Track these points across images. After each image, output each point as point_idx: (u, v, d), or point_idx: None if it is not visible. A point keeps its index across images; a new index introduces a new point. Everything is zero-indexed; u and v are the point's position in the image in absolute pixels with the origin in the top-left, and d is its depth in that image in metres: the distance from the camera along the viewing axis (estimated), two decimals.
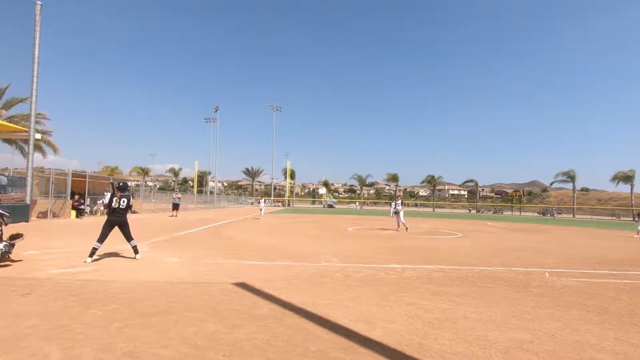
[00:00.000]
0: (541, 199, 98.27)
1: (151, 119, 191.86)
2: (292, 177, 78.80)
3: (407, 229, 15.58)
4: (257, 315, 3.73)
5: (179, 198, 23.76)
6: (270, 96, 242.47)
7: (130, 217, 7.14)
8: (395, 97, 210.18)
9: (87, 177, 20.45)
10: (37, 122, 19.31)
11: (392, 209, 18.25)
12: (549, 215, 52.94)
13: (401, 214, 15.56)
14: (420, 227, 18.65)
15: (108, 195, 6.69)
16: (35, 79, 15.90)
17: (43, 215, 16.54)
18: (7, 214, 6.42)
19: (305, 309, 3.97)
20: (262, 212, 24.12)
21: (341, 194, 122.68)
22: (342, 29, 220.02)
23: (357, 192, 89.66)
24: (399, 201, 16.05)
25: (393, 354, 2.88)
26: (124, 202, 6.66)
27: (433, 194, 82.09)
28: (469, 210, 72.92)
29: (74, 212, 17.83)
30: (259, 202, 25.31)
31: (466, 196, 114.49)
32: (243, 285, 5.00)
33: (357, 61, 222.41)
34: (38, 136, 18.12)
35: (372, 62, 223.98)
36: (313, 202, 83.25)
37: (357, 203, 71.04)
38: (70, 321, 3.38)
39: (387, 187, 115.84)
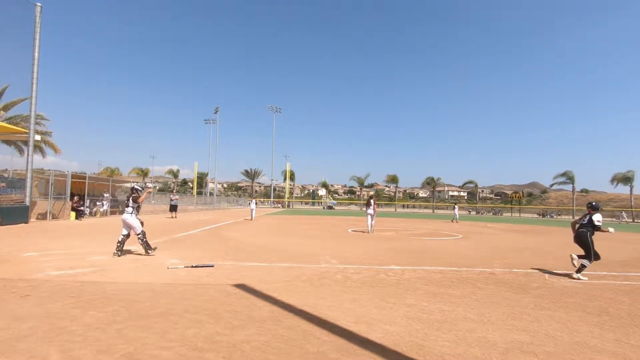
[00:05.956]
0: (541, 200, 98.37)
1: (151, 121, 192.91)
2: (292, 178, 78.80)
3: (372, 231, 14.87)
4: (257, 316, 3.73)
5: (177, 199, 23.60)
6: (270, 98, 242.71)
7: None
8: (394, 99, 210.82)
9: (87, 178, 20.44)
10: (36, 124, 19.31)
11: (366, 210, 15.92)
12: (548, 216, 52.94)
13: (371, 215, 14.77)
14: (420, 229, 18.64)
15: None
16: (35, 80, 15.93)
17: (42, 216, 16.53)
18: None
19: (304, 311, 3.97)
20: (253, 213, 23.38)
21: (340, 195, 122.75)
22: (342, 31, 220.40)
23: (357, 193, 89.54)
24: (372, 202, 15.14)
25: (393, 355, 2.88)
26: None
27: (433, 196, 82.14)
28: (469, 211, 72.89)
29: (73, 214, 17.82)
30: (250, 203, 24.60)
31: (466, 197, 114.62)
32: (242, 287, 5.00)
33: (357, 62, 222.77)
34: (38, 137, 18.10)
35: (372, 64, 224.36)
36: (313, 204, 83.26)
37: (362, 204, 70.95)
38: (70, 323, 3.38)
39: (387, 189, 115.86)
